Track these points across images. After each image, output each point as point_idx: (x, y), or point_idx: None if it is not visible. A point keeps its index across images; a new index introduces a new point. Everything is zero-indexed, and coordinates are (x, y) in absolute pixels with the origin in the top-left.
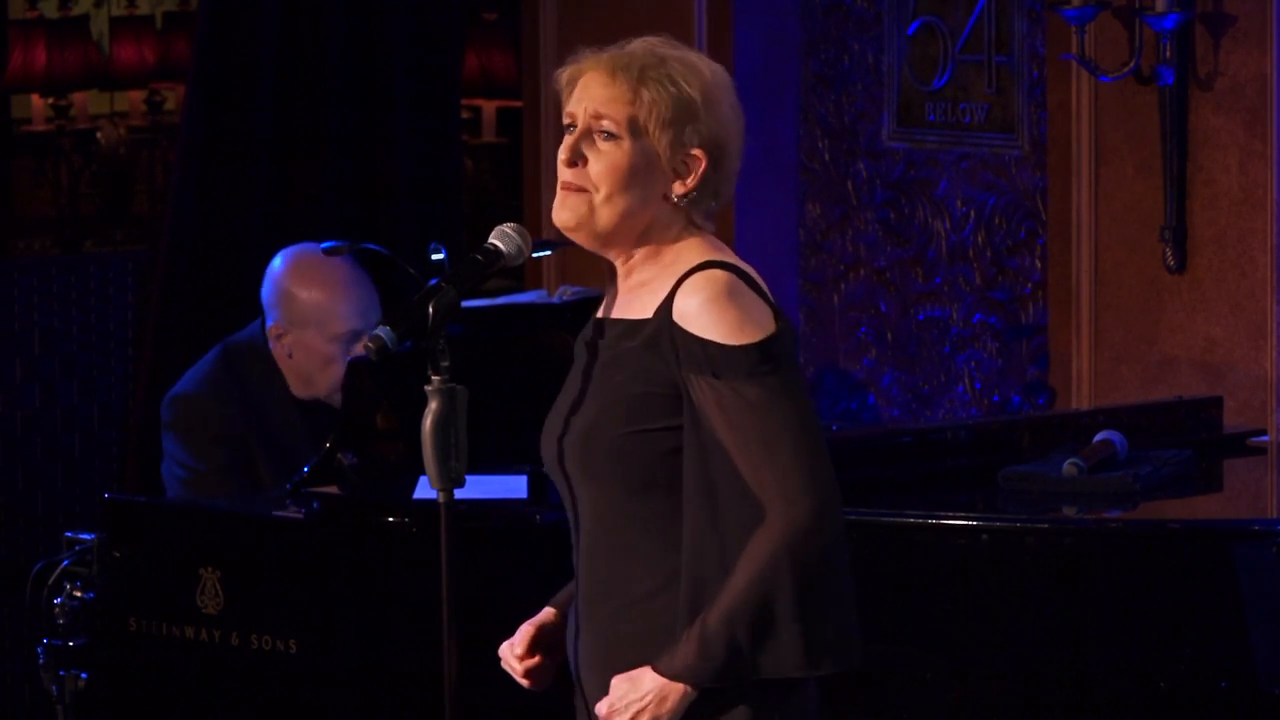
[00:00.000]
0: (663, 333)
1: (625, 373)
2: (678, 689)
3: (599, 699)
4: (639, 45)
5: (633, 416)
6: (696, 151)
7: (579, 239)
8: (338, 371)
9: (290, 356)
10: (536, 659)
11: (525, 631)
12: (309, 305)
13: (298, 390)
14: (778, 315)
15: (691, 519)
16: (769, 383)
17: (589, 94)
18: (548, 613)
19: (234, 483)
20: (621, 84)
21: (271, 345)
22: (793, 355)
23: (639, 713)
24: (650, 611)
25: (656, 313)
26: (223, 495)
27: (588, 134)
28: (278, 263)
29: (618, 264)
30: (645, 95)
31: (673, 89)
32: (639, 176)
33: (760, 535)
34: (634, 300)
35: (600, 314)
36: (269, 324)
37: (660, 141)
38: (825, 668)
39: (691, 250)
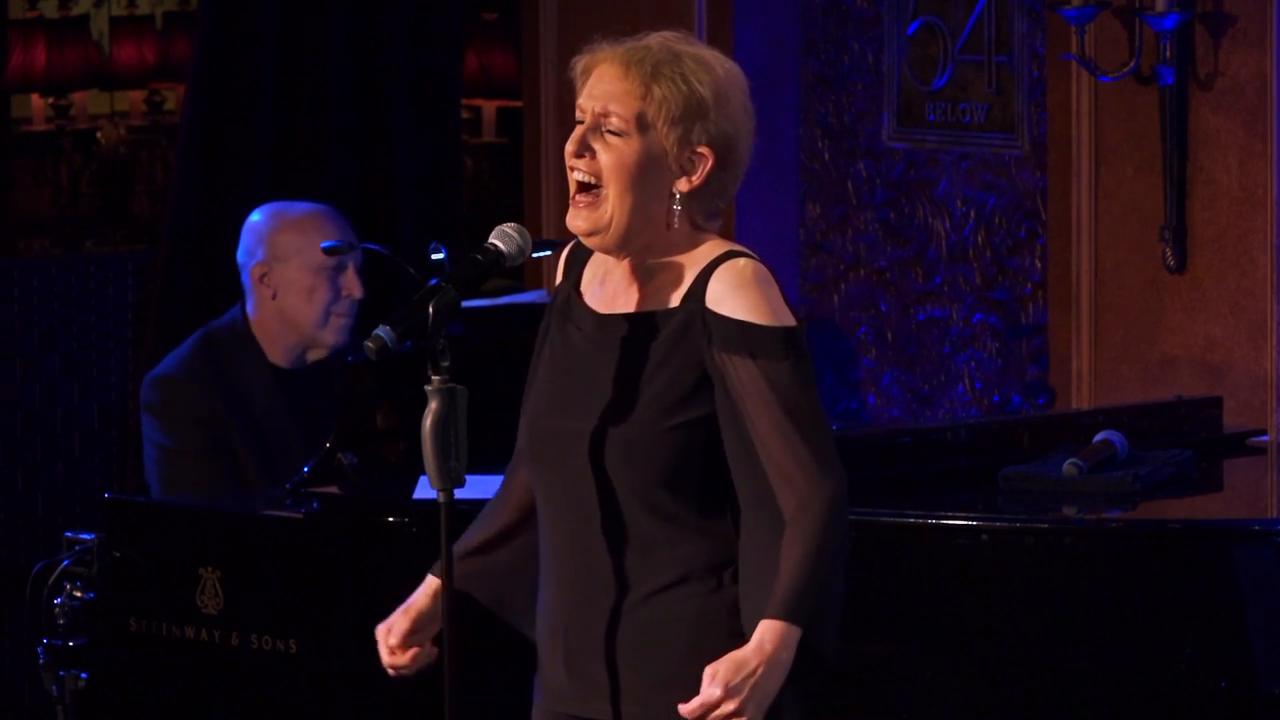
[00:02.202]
0: (694, 320)
1: (661, 370)
2: (786, 650)
3: (623, 689)
4: (655, 40)
5: (673, 410)
6: (703, 149)
7: (595, 244)
8: (321, 301)
9: (274, 298)
10: (409, 656)
11: (400, 625)
12: (290, 239)
13: (280, 348)
14: (794, 311)
15: (742, 499)
16: (800, 367)
17: (600, 88)
18: (424, 595)
19: (210, 466)
20: (634, 79)
21: (254, 294)
22: (808, 349)
23: (754, 688)
24: (671, 601)
25: (684, 301)
26: (198, 478)
27: (596, 128)
28: (255, 215)
29: (623, 260)
30: (656, 92)
31: (684, 87)
32: (646, 173)
33: (805, 512)
34: (648, 294)
35: (601, 306)
36: (251, 266)
37: (668, 138)
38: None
39: (706, 245)
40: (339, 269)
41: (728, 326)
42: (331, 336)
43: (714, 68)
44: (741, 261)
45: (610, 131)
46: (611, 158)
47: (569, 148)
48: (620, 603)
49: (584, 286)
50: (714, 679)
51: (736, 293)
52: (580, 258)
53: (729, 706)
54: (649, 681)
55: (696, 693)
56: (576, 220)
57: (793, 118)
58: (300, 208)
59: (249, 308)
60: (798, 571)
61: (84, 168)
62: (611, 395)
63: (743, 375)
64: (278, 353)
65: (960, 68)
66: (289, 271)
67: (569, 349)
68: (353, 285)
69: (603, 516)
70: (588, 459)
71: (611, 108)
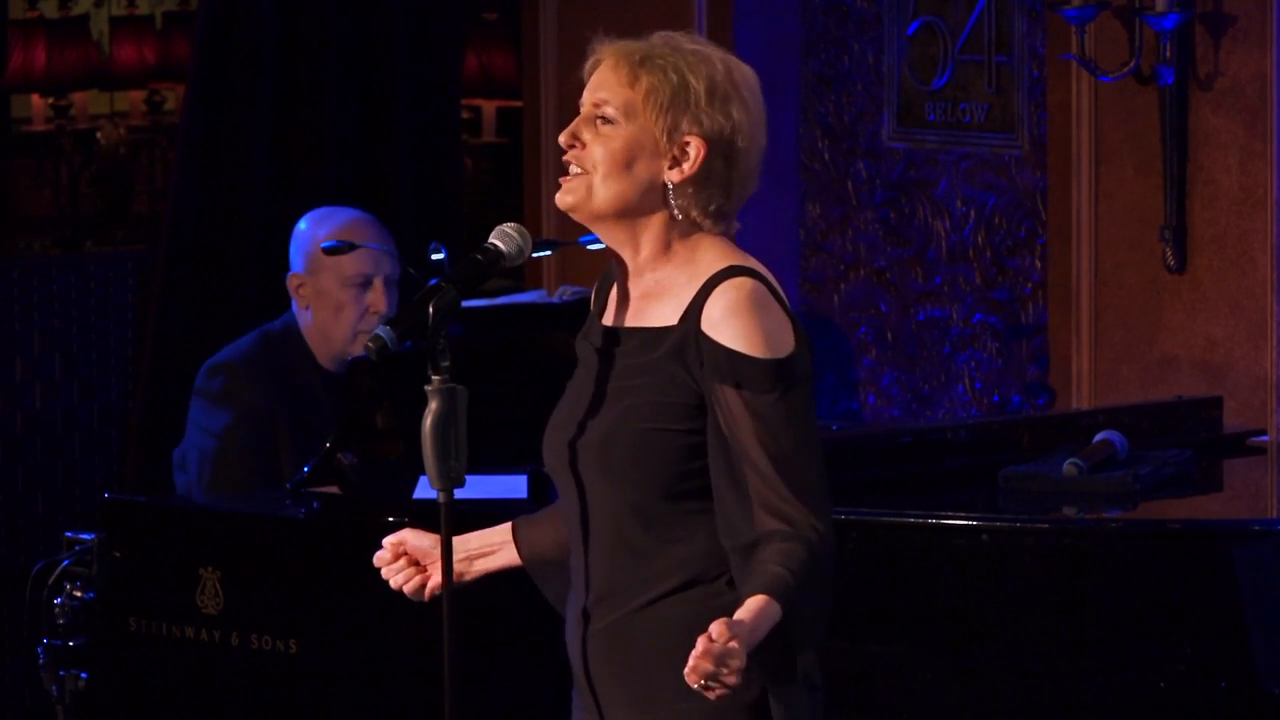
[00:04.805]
0: (689, 341)
1: (648, 381)
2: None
3: (613, 701)
4: (658, 36)
5: (653, 417)
6: (693, 139)
7: (579, 218)
8: (350, 319)
9: (308, 309)
10: (411, 572)
11: (396, 539)
12: (324, 252)
13: (322, 355)
14: (796, 328)
15: (721, 511)
16: (790, 399)
17: (595, 80)
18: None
19: (254, 461)
20: (623, 69)
21: (294, 305)
22: (808, 372)
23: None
24: (666, 612)
25: (682, 319)
26: (238, 471)
27: (589, 119)
28: (302, 224)
29: (627, 262)
30: (644, 80)
31: (674, 76)
32: (634, 160)
33: (791, 543)
34: (650, 307)
35: (609, 321)
36: (289, 275)
37: (657, 126)
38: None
39: (708, 251)
40: (366, 284)
41: (717, 354)
42: (360, 351)
43: (714, 62)
44: (739, 280)
45: (602, 119)
46: (601, 145)
47: (561, 137)
48: (621, 611)
49: (606, 308)
50: (727, 638)
51: (730, 318)
52: (606, 286)
53: (736, 664)
54: (651, 689)
55: (697, 699)
56: (563, 196)
57: (793, 118)
58: (340, 218)
59: (294, 311)
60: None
61: (84, 168)
62: (605, 405)
63: (730, 405)
64: (322, 358)
65: (960, 68)
66: (320, 284)
67: (584, 366)
68: (379, 301)
69: (600, 525)
70: (584, 468)
71: (602, 96)
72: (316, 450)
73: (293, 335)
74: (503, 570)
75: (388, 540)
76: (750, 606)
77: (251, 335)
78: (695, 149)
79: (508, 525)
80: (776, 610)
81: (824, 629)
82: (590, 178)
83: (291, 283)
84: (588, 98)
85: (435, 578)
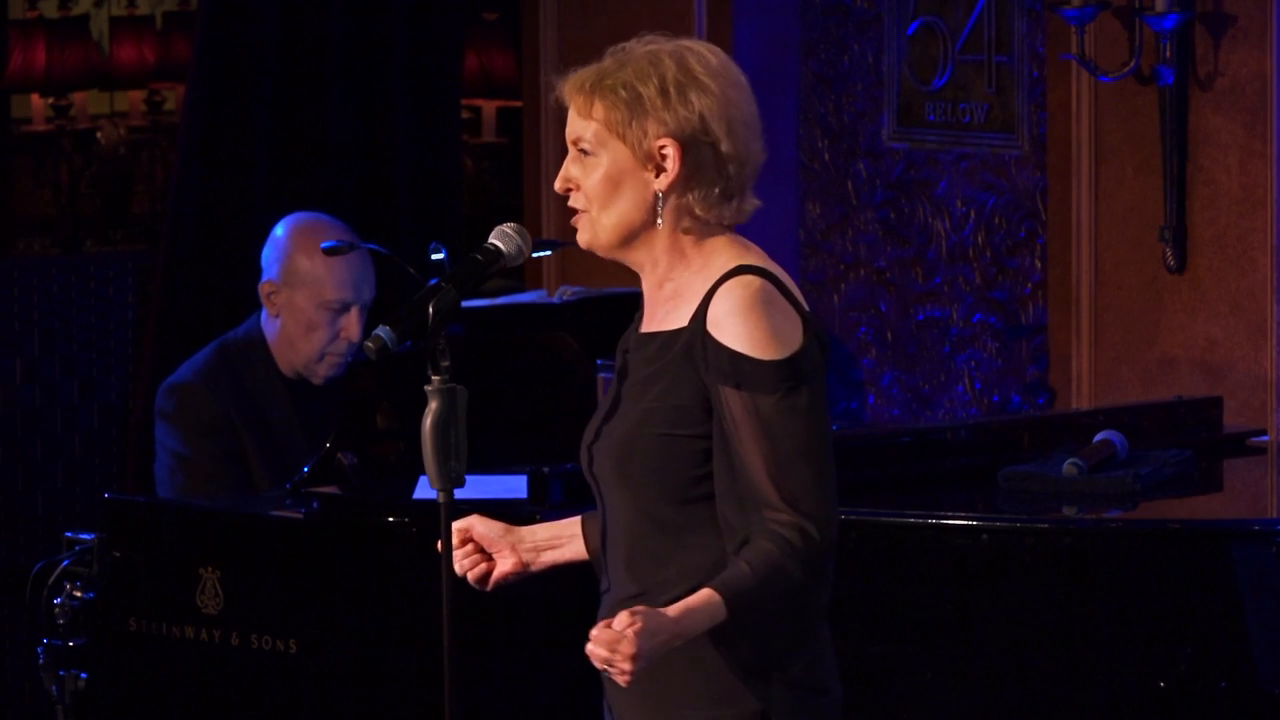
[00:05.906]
0: (695, 341)
1: (661, 385)
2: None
3: (626, 705)
4: (610, 52)
5: (666, 423)
6: (664, 142)
7: (600, 254)
8: (319, 341)
9: (277, 317)
10: (477, 558)
11: (465, 525)
12: (305, 268)
13: (283, 362)
14: (806, 325)
15: (723, 517)
16: (792, 400)
17: (569, 119)
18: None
19: (224, 474)
20: (580, 102)
21: (263, 312)
22: (819, 369)
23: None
24: None
25: (691, 320)
26: (211, 486)
27: (574, 158)
28: (280, 229)
29: (649, 276)
30: (598, 107)
31: (624, 93)
32: (621, 184)
33: (768, 543)
34: (668, 312)
35: (639, 327)
36: (262, 281)
37: (629, 144)
38: None
39: (721, 253)
40: (342, 309)
41: (720, 354)
42: (325, 371)
43: (662, 59)
44: (745, 279)
45: (583, 153)
46: (588, 179)
47: (556, 185)
48: None
49: (643, 315)
50: (633, 626)
51: (733, 318)
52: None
53: (627, 649)
54: (659, 694)
55: (705, 706)
56: (580, 236)
57: (793, 118)
58: (325, 236)
59: (262, 318)
60: (753, 569)
61: (84, 168)
62: (623, 410)
63: (731, 406)
64: (285, 366)
65: (960, 68)
66: (295, 300)
67: (618, 373)
68: (352, 328)
69: (619, 529)
70: (601, 472)
71: (575, 133)
72: (316, 450)
73: (255, 342)
74: (569, 564)
75: (456, 525)
76: (687, 600)
77: (208, 348)
78: (671, 150)
79: (576, 519)
80: (719, 606)
81: (803, 631)
82: (591, 213)
83: (264, 289)
84: (567, 137)
85: (501, 566)
